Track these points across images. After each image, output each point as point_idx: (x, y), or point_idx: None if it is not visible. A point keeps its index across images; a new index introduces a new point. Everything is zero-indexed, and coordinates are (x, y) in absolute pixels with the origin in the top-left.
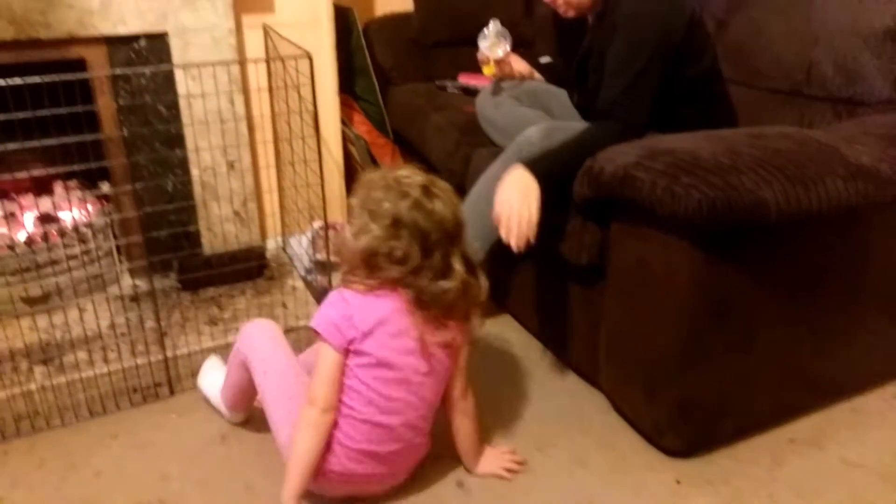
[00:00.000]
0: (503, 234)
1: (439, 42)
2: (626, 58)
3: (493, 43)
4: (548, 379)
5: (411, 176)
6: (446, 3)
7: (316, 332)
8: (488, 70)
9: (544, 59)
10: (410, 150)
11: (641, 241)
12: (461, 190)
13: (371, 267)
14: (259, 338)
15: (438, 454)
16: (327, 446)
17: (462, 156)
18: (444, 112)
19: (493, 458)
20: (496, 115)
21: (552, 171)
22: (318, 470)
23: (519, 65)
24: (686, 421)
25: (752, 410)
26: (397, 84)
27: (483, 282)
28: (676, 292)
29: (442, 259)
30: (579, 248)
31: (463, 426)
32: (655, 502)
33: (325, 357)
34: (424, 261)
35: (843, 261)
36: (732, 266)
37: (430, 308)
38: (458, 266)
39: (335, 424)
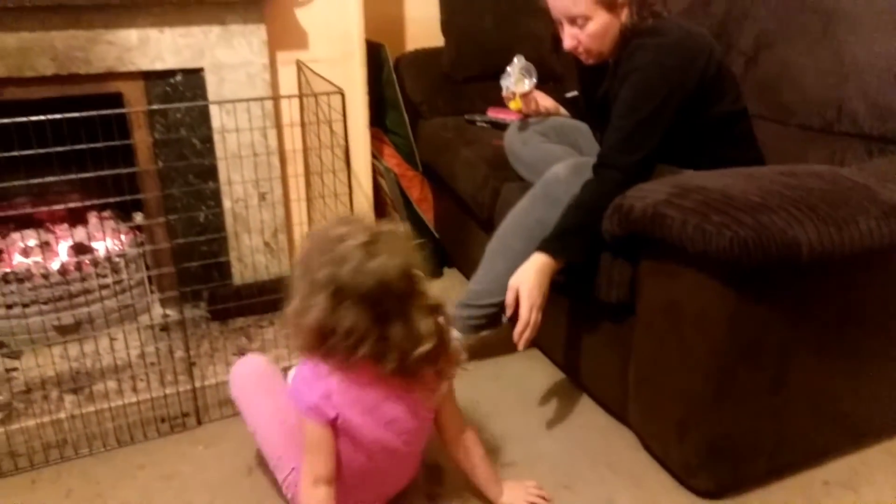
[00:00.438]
0: (515, 333)
1: (469, 77)
2: (629, 108)
3: (517, 78)
4: (576, 414)
5: (350, 234)
6: (477, 38)
7: (303, 417)
8: (514, 105)
9: (570, 94)
10: (440, 183)
11: (671, 280)
12: (489, 223)
13: (328, 347)
14: (247, 378)
15: (462, 493)
16: None
17: (491, 189)
18: (473, 146)
19: (519, 491)
20: (523, 151)
21: (569, 244)
22: None
23: (544, 100)
24: (717, 461)
25: (784, 451)
26: (427, 118)
27: (451, 331)
28: (707, 331)
29: (404, 323)
30: (609, 285)
31: (472, 455)
32: None
33: (313, 434)
34: (381, 329)
35: (876, 300)
36: (764, 305)
37: (417, 371)
38: (424, 326)
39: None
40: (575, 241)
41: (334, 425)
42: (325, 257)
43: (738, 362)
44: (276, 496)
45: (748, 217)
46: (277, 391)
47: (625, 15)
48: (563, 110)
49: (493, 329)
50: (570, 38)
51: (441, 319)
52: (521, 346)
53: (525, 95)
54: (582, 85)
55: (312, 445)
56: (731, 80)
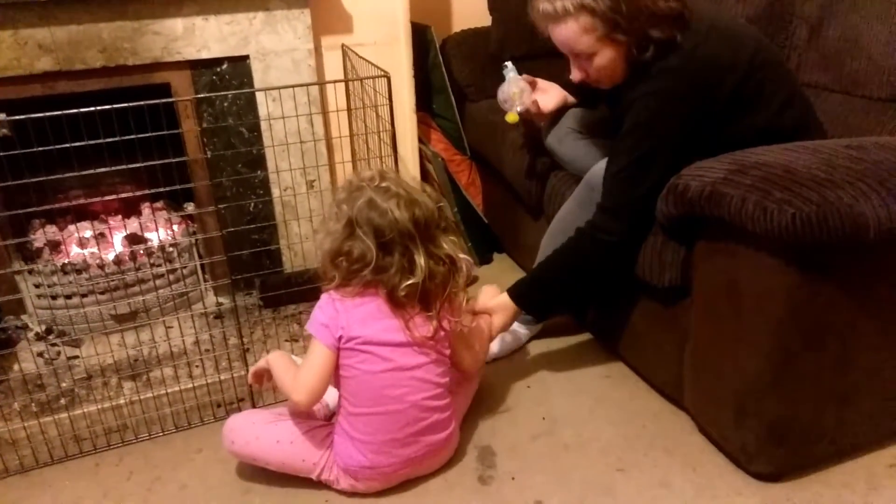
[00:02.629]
0: None
1: (517, 56)
2: (627, 143)
3: (513, 94)
4: (629, 398)
5: (374, 178)
6: (524, 16)
7: (309, 334)
8: (511, 118)
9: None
10: (488, 168)
11: (730, 260)
12: (538, 209)
13: (338, 269)
14: (235, 436)
15: (516, 473)
16: (349, 446)
17: (539, 175)
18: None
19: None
20: (560, 149)
21: (532, 298)
22: (351, 471)
23: (548, 103)
24: (776, 444)
25: (846, 434)
26: (475, 100)
27: (464, 267)
28: (768, 312)
29: (402, 256)
30: (661, 268)
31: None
32: None
33: (315, 351)
34: (385, 258)
35: None
36: (828, 285)
37: (406, 302)
38: (420, 261)
39: (347, 423)
40: (538, 297)
41: (339, 350)
42: (347, 194)
43: (800, 344)
44: None
45: (812, 193)
46: (268, 426)
47: (629, 46)
48: (570, 98)
49: (551, 318)
50: (577, 70)
51: (443, 267)
52: None
53: (524, 113)
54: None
55: (310, 361)
56: (776, 92)
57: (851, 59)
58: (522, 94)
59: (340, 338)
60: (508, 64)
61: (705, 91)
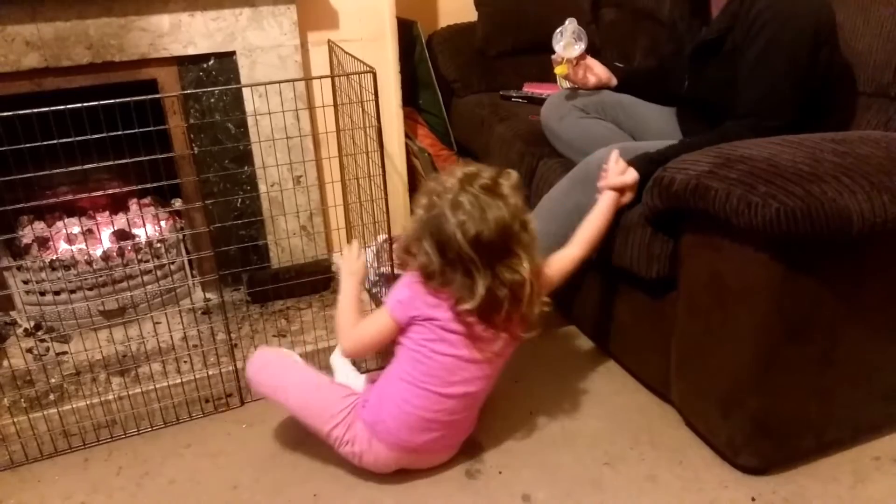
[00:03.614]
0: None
1: (503, 52)
2: (769, 58)
3: (567, 42)
4: (616, 392)
5: (458, 184)
6: (510, 11)
7: (385, 307)
8: (561, 70)
9: (617, 65)
10: (475, 162)
11: (715, 254)
12: (526, 202)
13: (413, 256)
14: (263, 369)
15: (503, 468)
16: (388, 405)
17: (527, 167)
18: (509, 122)
19: None
20: (560, 126)
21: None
22: (377, 428)
23: (595, 67)
24: (762, 437)
25: (832, 427)
26: (461, 96)
27: (533, 294)
28: (753, 306)
29: (464, 276)
30: (649, 260)
31: None
32: None
33: (381, 317)
34: (448, 271)
35: None
36: (813, 279)
37: (458, 319)
38: (479, 288)
39: (394, 387)
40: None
41: (408, 327)
42: (428, 197)
43: (785, 338)
44: (318, 471)
45: (796, 187)
46: (300, 365)
47: None
48: (613, 80)
49: None
50: None
51: (504, 292)
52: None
53: (574, 61)
54: (672, 30)
55: (373, 321)
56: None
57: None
58: (579, 38)
59: (414, 317)
60: (572, 19)
61: (829, 10)
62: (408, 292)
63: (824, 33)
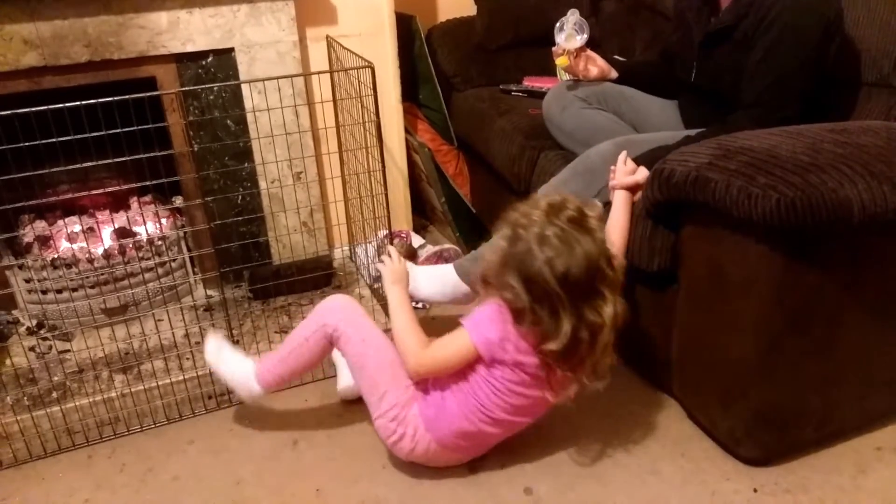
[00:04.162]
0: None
1: (503, 45)
2: (780, 48)
3: (569, 34)
4: (618, 386)
5: (545, 215)
6: (509, 5)
7: (472, 340)
8: (562, 62)
9: (617, 58)
10: (475, 157)
11: (716, 246)
12: (527, 195)
13: (489, 286)
14: (348, 310)
15: (505, 462)
16: (451, 421)
17: (528, 160)
18: (509, 116)
19: None
20: (562, 117)
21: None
22: (435, 435)
23: (595, 61)
24: (764, 429)
25: (834, 418)
26: (461, 90)
27: (609, 341)
28: (754, 298)
29: (550, 315)
30: (650, 253)
31: None
32: None
33: (463, 345)
34: (536, 309)
35: None
36: (813, 270)
37: (541, 360)
38: (565, 327)
39: (467, 407)
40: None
41: (489, 364)
42: (512, 228)
43: (785, 329)
44: (321, 467)
45: (796, 177)
46: (376, 327)
47: None
48: (613, 72)
49: None
50: None
51: (585, 335)
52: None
53: (575, 52)
54: (680, 19)
55: (450, 348)
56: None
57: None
58: (581, 29)
59: (501, 360)
60: (574, 10)
61: (837, 4)
62: (498, 333)
63: (834, 27)
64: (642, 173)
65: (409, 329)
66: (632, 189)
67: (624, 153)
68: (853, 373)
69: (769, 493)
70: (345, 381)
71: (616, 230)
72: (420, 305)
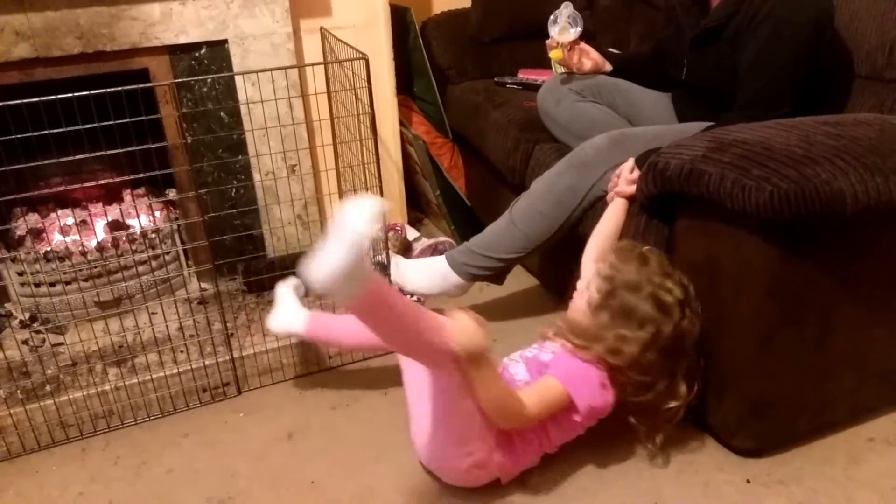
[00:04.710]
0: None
1: (497, 38)
2: (772, 48)
3: (562, 27)
4: None
5: (669, 286)
6: None
7: (574, 405)
8: (556, 55)
9: (612, 50)
10: (470, 150)
11: (710, 238)
12: (522, 189)
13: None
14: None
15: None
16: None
17: (522, 153)
18: (504, 109)
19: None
20: (557, 110)
21: None
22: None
23: (590, 54)
24: (757, 421)
25: (827, 409)
26: (456, 83)
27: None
28: (748, 290)
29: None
30: None
31: None
32: (724, 503)
33: (559, 398)
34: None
35: None
36: (807, 262)
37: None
38: (681, 388)
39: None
40: None
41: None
42: (649, 300)
43: (779, 321)
44: (316, 460)
45: (790, 170)
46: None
47: None
48: (607, 66)
49: (491, 283)
50: None
51: (658, 389)
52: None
53: (569, 46)
54: (670, 15)
55: (548, 401)
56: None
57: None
58: (575, 22)
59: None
60: (567, 3)
61: (830, 4)
62: (600, 397)
63: (825, 22)
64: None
65: (508, 399)
66: (634, 198)
67: (631, 161)
68: (846, 365)
69: (762, 483)
70: (280, 321)
71: (608, 239)
72: (415, 298)
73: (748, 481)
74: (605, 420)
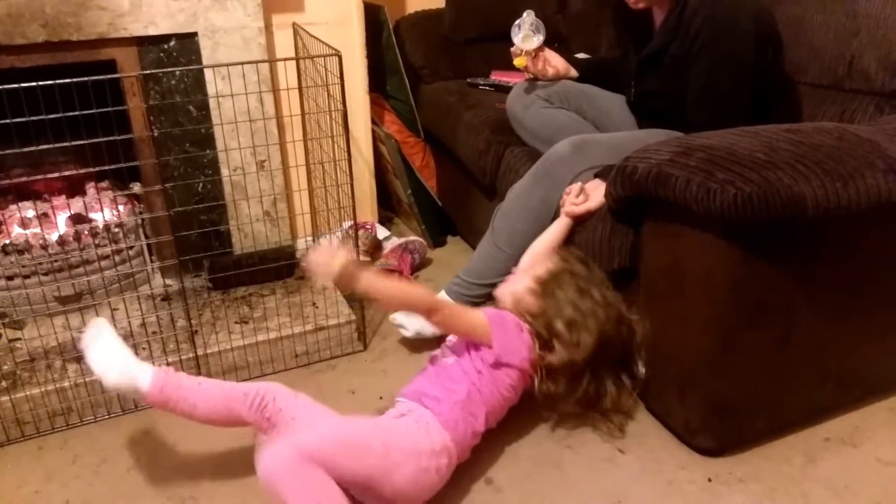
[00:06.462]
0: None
1: (471, 39)
2: (716, 74)
3: (525, 35)
4: None
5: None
6: None
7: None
8: (520, 62)
9: (580, 56)
10: (442, 150)
11: (675, 240)
12: (492, 190)
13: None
14: (305, 481)
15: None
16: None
17: (494, 155)
18: (476, 110)
19: None
20: (525, 116)
21: None
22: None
23: (554, 60)
24: (718, 420)
25: (785, 409)
26: (428, 82)
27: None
28: (711, 291)
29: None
30: (609, 253)
31: None
32: (686, 500)
33: (478, 325)
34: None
35: (883, 258)
36: (769, 264)
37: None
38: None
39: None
40: None
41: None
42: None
43: (741, 322)
44: None
45: (753, 174)
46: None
47: None
48: (572, 71)
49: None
50: None
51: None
52: None
53: (532, 53)
54: (620, 38)
55: (471, 323)
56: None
57: (794, 47)
58: (537, 30)
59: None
60: (529, 11)
61: (767, 15)
62: (524, 339)
63: (765, 34)
64: (595, 200)
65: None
66: (582, 218)
67: (578, 185)
68: (806, 366)
69: (723, 482)
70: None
71: (545, 252)
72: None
73: (710, 480)
74: (570, 419)
